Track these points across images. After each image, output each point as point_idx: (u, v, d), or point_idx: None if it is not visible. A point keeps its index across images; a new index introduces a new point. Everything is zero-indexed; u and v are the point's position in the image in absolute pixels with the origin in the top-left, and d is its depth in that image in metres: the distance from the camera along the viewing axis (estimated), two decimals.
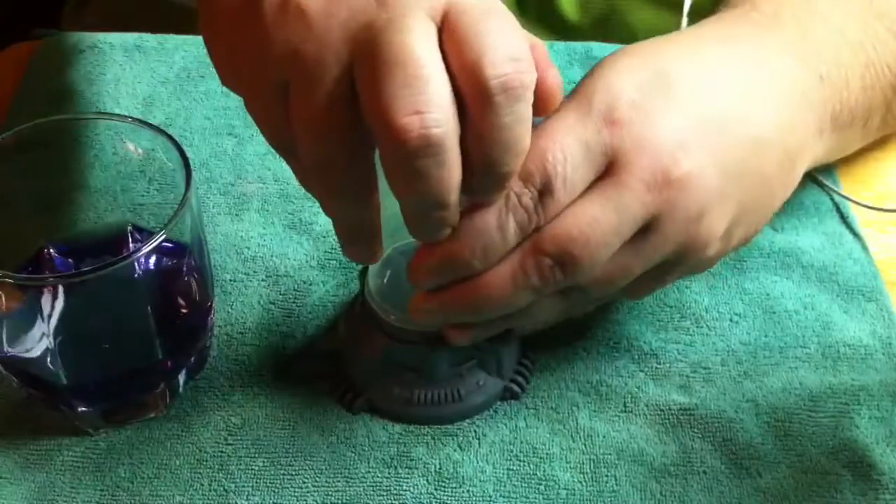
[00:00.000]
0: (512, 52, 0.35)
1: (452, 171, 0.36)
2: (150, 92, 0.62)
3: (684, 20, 0.59)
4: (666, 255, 0.41)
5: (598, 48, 0.65)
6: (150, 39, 0.66)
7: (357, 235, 0.41)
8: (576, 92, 0.41)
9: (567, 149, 0.39)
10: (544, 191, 0.39)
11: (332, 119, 0.36)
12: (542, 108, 0.39)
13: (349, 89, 0.36)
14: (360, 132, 0.36)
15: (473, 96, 0.35)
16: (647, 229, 0.40)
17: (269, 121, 0.39)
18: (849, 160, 0.58)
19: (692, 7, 0.58)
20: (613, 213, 0.39)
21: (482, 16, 0.36)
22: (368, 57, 0.35)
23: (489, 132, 0.36)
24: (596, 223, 0.39)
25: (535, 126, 0.38)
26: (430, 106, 0.34)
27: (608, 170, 0.40)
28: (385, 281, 0.45)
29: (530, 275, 0.40)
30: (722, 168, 0.41)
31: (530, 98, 0.36)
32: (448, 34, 0.36)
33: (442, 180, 0.36)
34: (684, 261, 0.42)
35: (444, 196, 0.36)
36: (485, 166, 0.37)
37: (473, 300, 0.40)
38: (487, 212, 0.39)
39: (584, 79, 0.42)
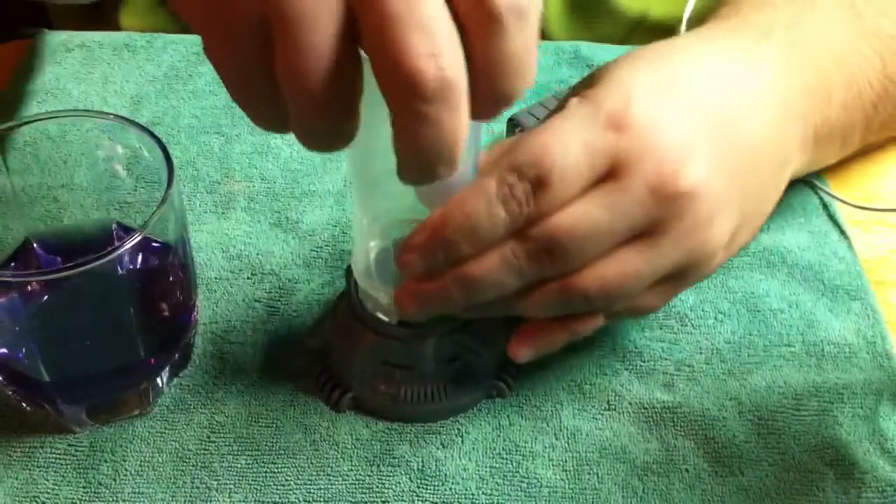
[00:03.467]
0: None
1: (463, 116, 0.34)
2: (138, 90, 0.62)
3: (683, 27, 0.59)
4: (675, 262, 0.41)
5: (586, 48, 0.66)
6: (138, 38, 0.66)
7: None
8: (584, 92, 0.41)
9: (568, 146, 0.39)
10: (539, 184, 0.38)
11: (331, 61, 0.33)
12: None
13: (348, 26, 0.33)
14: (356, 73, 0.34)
15: (480, 21, 0.33)
16: (653, 233, 0.40)
17: (239, 64, 0.34)
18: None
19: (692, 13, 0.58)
20: (608, 211, 0.39)
21: None
22: None
23: (499, 57, 0.34)
24: (587, 217, 0.39)
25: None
26: (444, 48, 0.32)
27: (611, 173, 0.39)
28: (373, 269, 0.45)
29: (515, 256, 0.39)
30: (728, 175, 0.41)
31: (536, 20, 0.34)
32: None
33: (453, 127, 0.34)
34: (691, 270, 0.42)
35: (453, 144, 0.34)
36: (492, 94, 0.34)
37: (458, 278, 0.40)
38: (478, 196, 0.38)
39: (593, 79, 0.42)
